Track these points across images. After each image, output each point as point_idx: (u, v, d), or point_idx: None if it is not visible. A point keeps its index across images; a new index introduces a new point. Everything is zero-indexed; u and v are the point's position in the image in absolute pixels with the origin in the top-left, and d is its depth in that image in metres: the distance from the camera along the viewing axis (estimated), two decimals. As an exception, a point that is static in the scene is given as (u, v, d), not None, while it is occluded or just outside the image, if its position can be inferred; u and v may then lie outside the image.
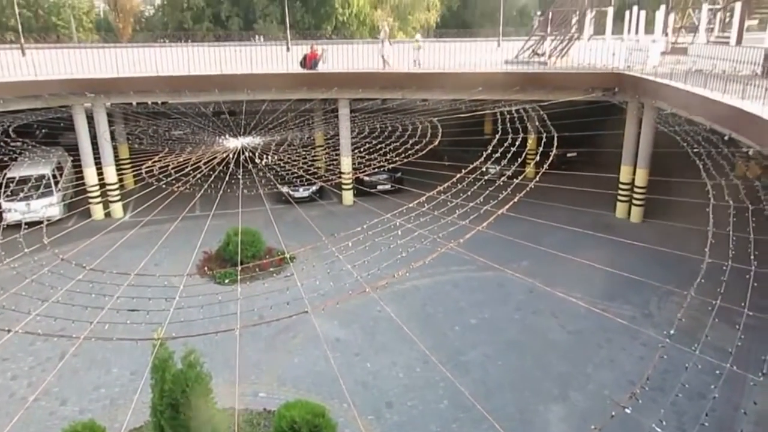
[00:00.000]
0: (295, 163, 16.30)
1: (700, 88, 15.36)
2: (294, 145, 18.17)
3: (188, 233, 17.64)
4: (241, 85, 22.33)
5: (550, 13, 29.86)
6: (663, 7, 28.31)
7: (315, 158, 21.53)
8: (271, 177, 16.64)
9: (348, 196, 24.62)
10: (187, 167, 14.30)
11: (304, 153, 17.81)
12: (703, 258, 9.29)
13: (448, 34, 55.72)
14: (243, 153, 15.60)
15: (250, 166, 15.01)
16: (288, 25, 40.70)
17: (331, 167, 22.99)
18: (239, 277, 16.23)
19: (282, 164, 15.69)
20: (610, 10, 26.95)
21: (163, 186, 13.80)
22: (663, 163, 20.85)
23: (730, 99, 13.75)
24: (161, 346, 8.54)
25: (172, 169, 14.23)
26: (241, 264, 16.71)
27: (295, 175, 17.05)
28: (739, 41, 24.27)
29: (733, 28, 24.20)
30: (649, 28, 28.91)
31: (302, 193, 24.50)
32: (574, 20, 27.79)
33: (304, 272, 14.82)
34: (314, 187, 24.18)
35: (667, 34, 28.84)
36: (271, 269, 16.94)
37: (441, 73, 22.97)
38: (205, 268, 17.56)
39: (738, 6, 24.12)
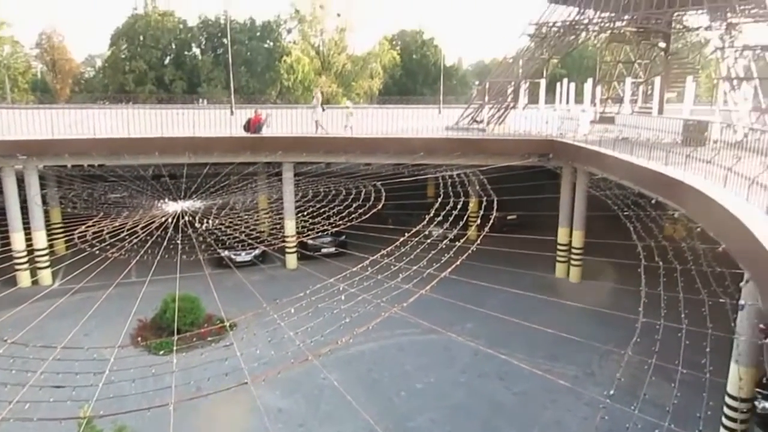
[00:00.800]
0: (237, 226, 16.03)
1: (627, 155, 16.30)
2: (236, 208, 17.93)
3: (123, 301, 16.84)
4: (182, 148, 22.10)
5: (488, 83, 31.44)
6: (590, 80, 30.33)
7: (258, 222, 21.28)
8: (212, 241, 16.26)
9: (291, 260, 24.31)
10: (123, 232, 13.80)
11: (246, 217, 17.57)
12: (638, 317, 9.58)
13: (391, 101, 57.64)
14: (183, 217, 15.23)
15: (190, 230, 14.65)
16: (232, 89, 41.06)
17: (275, 231, 22.78)
18: (176, 347, 15.49)
19: (223, 228, 15.40)
20: (543, 82, 28.57)
21: (97, 252, 13.23)
22: (598, 224, 21.72)
23: (654, 165, 14.62)
24: (88, 424, 7.93)
25: (107, 234, 13.70)
26: (179, 332, 15.99)
27: (237, 239, 16.74)
28: (660, 111, 26.13)
29: (655, 99, 26.12)
30: (579, 99, 30.84)
31: (244, 257, 24.01)
32: (509, 90, 29.29)
33: (244, 340, 14.29)
34: (256, 251, 23.76)
35: (595, 105, 30.77)
36: (210, 338, 16.29)
37: (384, 137, 23.51)
38: (140, 338, 16.69)
39: (657, 80, 26.14)
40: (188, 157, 22.04)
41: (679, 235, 17.24)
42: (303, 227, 17.40)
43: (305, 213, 16.51)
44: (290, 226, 23.15)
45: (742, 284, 10.53)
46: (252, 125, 24.18)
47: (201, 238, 15.09)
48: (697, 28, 29.33)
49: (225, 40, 59.51)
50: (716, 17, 24.79)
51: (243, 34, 67.49)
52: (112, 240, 13.46)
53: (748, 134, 13.78)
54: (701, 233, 12.21)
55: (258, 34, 70.31)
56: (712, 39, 25.61)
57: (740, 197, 10.40)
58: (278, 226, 23.18)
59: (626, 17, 27.39)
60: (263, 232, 22.52)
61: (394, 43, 78.50)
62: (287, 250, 23.92)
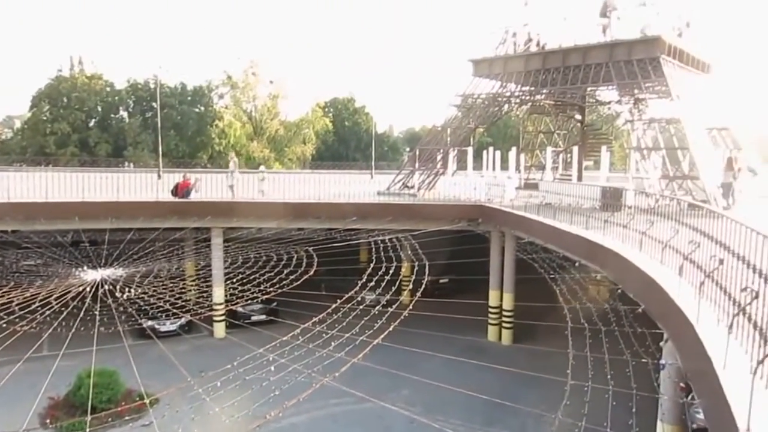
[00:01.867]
0: (161, 295, 15.32)
1: (550, 220, 16.99)
2: (161, 276, 17.19)
3: (33, 377, 15.52)
4: (105, 213, 21.21)
5: (418, 150, 32.41)
6: (515, 148, 31.87)
7: (184, 289, 20.42)
8: (133, 311, 15.42)
9: (219, 329, 23.33)
10: (35, 303, 12.87)
11: (172, 284, 16.84)
12: (567, 380, 9.71)
13: (324, 166, 58.22)
14: (103, 286, 14.42)
15: (110, 300, 13.85)
16: (161, 153, 40.26)
17: (202, 299, 21.89)
18: (89, 428, 14.29)
19: (147, 297, 14.67)
20: (470, 150, 29.76)
21: (4, 325, 12.23)
22: (527, 287, 22.26)
23: (576, 229, 15.29)
24: None
25: (17, 305, 12.73)
26: (94, 411, 14.79)
27: (161, 308, 15.96)
28: (579, 178, 27.64)
29: (574, 167, 27.68)
30: (505, 166, 32.22)
31: (169, 327, 22.87)
32: (439, 157, 30.30)
33: (166, 418, 13.37)
34: (182, 321, 22.69)
35: (519, 171, 32.22)
36: (128, 416, 15.16)
37: (317, 202, 23.53)
38: (50, 418, 15.36)
39: (576, 149, 27.80)
40: (111, 223, 21.14)
41: (602, 297, 17.95)
42: (232, 295, 16.84)
43: (234, 280, 16.05)
44: (218, 294, 22.37)
45: (662, 344, 10.95)
46: (180, 190, 23.64)
47: (122, 308, 14.29)
48: (609, 102, 31.71)
49: (154, 104, 58.77)
50: (625, 93, 26.97)
51: (173, 98, 67.01)
52: (23, 312, 12.51)
53: (659, 200, 14.72)
54: (622, 294, 12.72)
55: (189, 98, 70.04)
56: (623, 112, 27.75)
57: (655, 260, 10.96)
58: (206, 294, 22.32)
59: (544, 91, 29.31)
60: (189, 300, 21.57)
61: (326, 110, 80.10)
62: (215, 318, 23.00)
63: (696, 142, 23.37)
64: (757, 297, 6.27)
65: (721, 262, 7.77)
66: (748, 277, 6.85)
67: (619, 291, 12.83)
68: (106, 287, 14.26)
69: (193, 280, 23.26)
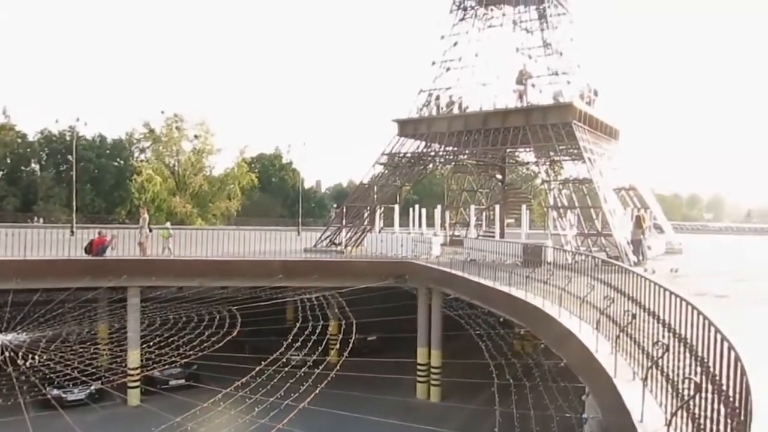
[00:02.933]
0: (69, 361, 14.24)
1: (475, 276, 17.34)
2: (70, 340, 16.02)
3: None
4: (10, 272, 19.72)
5: (345, 207, 32.59)
6: (440, 206, 32.68)
7: (96, 354, 19.07)
8: (37, 380, 14.19)
9: (134, 396, 21.74)
10: None
11: (81, 349, 15.72)
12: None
13: (250, 222, 57.21)
14: (3, 352, 13.26)
15: (10, 368, 12.71)
16: (75, 208, 38.29)
17: (115, 364, 20.48)
18: None
19: (53, 363, 13.57)
20: (396, 207, 30.22)
21: None
22: (455, 343, 22.37)
23: (499, 286, 15.66)
24: None
25: None
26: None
27: (69, 375, 14.79)
28: (501, 235, 28.57)
29: (496, 224, 28.61)
30: (430, 223, 32.86)
31: (77, 395, 21.13)
32: (366, 214, 30.57)
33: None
34: (92, 388, 21.04)
35: (445, 228, 32.95)
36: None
37: (241, 260, 22.96)
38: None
39: (497, 207, 28.85)
40: (16, 283, 19.64)
41: (527, 351, 18.32)
42: (148, 359, 15.88)
43: (152, 342, 15.21)
44: (134, 358, 21.00)
45: (584, 397, 11.22)
46: (95, 247, 22.45)
47: (24, 377, 13.12)
48: (527, 163, 33.39)
49: (70, 157, 56.32)
50: (541, 155, 28.53)
51: (91, 151, 64.56)
52: None
53: (576, 257, 15.42)
54: (546, 349, 13.03)
55: (108, 151, 67.72)
56: (540, 173, 29.26)
57: (574, 315, 11.37)
58: (119, 359, 20.92)
59: (467, 152, 30.53)
60: (101, 366, 20.13)
61: (252, 165, 79.49)
62: (129, 384, 21.48)
63: (607, 201, 24.88)
64: (667, 350, 6.61)
65: (634, 316, 8.17)
66: (659, 331, 7.23)
67: (543, 346, 13.14)
68: (7, 354, 13.12)
69: (106, 344, 21.81)
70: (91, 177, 63.05)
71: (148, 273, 21.49)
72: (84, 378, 15.70)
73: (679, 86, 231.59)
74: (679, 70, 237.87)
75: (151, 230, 24.61)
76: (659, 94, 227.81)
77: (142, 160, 72.10)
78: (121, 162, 68.47)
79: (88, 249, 22.44)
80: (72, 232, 31.26)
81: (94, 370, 18.09)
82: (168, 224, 26.73)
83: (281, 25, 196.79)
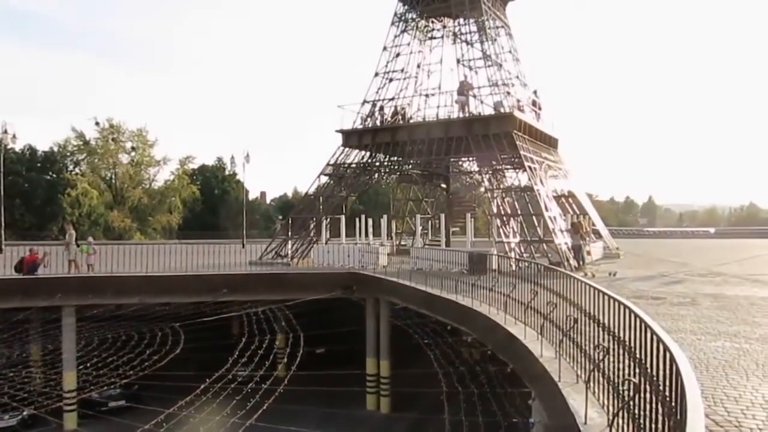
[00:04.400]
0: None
1: (422, 285, 17.46)
2: (-1, 364, 15.11)
3: None
4: (-70, 294, 18.49)
5: (291, 219, 32.25)
6: (386, 216, 32.80)
7: (28, 378, 18.04)
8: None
9: (71, 420, 20.67)
10: None
11: (12, 373, 14.84)
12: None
13: (192, 236, 55.70)
14: None
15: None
16: (3, 224, 36.25)
17: (49, 387, 19.40)
18: None
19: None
20: (343, 218, 30.15)
21: None
22: (404, 353, 22.40)
23: (446, 294, 15.82)
24: None
25: None
26: None
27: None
28: (447, 244, 28.92)
29: (442, 233, 28.96)
30: (377, 233, 32.95)
31: (8, 421, 19.93)
32: (312, 225, 30.33)
33: None
34: (24, 413, 19.88)
35: (391, 238, 33.08)
36: None
37: (183, 275, 22.28)
38: None
39: (443, 217, 29.21)
40: (-63, 305, 18.43)
41: (474, 359, 18.53)
42: (86, 381, 15.14)
43: (89, 364, 14.52)
44: (70, 380, 19.99)
45: (530, 402, 11.43)
46: (26, 265, 21.33)
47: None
48: (471, 172, 34.00)
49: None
50: (484, 164, 29.12)
51: (20, 165, 61.49)
52: None
53: (519, 264, 15.76)
54: (493, 356, 13.21)
55: (39, 164, 64.68)
56: (483, 182, 29.84)
57: (519, 321, 11.60)
58: (54, 382, 19.84)
59: (411, 162, 30.83)
60: (34, 390, 19.05)
61: (194, 177, 77.66)
62: (65, 408, 20.41)
63: (548, 209, 25.63)
64: (608, 353, 6.83)
65: (576, 321, 8.40)
66: (599, 335, 7.45)
67: (490, 353, 13.32)
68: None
69: (40, 367, 20.67)
70: (20, 191, 60.02)
71: (84, 291, 20.56)
72: (15, 403, 14.82)
73: (613, 93, 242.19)
74: (614, 77, 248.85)
75: (78, 245, 23.63)
76: (595, 102, 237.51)
77: (76, 173, 69.20)
78: (54, 175, 65.54)
79: (18, 267, 21.32)
80: (0, 249, 29.60)
81: (26, 395, 17.11)
82: (90, 239, 25.60)
83: (229, 33, 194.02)
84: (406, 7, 32.92)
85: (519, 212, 28.31)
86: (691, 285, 17.54)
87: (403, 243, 35.37)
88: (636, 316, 6.20)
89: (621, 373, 6.40)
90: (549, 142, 32.31)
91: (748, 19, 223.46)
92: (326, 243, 28.83)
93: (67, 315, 20.45)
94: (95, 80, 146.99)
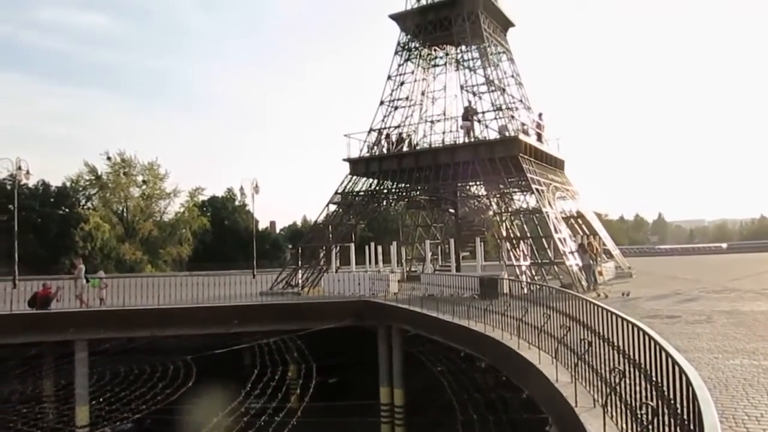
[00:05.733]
0: (12, 422, 13.40)
1: (433, 311, 17.35)
2: (12, 401, 15.10)
3: None
4: (-56, 332, 18.59)
5: (300, 248, 32.31)
6: (395, 242, 32.79)
7: (41, 414, 18.02)
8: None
9: (83, 455, 20.60)
10: None
11: (26, 409, 14.83)
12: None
13: (203, 267, 55.90)
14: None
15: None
16: (17, 259, 36.55)
17: (62, 423, 19.34)
18: None
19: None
20: (352, 246, 30.16)
21: None
22: (418, 381, 22.14)
23: (458, 320, 15.72)
24: None
25: None
26: None
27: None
28: (458, 269, 28.81)
29: (452, 258, 28.86)
30: (387, 259, 32.89)
31: (21, 459, 19.83)
32: (322, 254, 30.35)
33: None
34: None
35: (401, 265, 33.02)
36: None
37: (194, 307, 22.28)
38: None
39: (452, 241, 29.15)
40: (-49, 343, 18.52)
41: (489, 385, 18.31)
42: (98, 416, 15.09)
43: (102, 398, 14.50)
44: (82, 415, 19.91)
45: (547, 428, 11.25)
46: (39, 299, 21.45)
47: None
48: (479, 196, 34.03)
49: (11, 206, 54.09)
50: (491, 188, 29.16)
51: (33, 200, 62.23)
52: None
53: (530, 287, 15.67)
54: (507, 381, 13.06)
55: (52, 199, 65.43)
56: (492, 205, 29.84)
57: (533, 345, 11.49)
58: (66, 417, 19.78)
59: (419, 188, 30.94)
60: (46, 426, 19.00)
61: (204, 208, 78.16)
62: (78, 444, 20.32)
63: (557, 230, 25.53)
64: (624, 377, 6.75)
65: (590, 344, 8.32)
66: (615, 357, 7.37)
67: (504, 378, 13.17)
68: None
69: (52, 402, 20.62)
70: (34, 226, 60.65)
71: (96, 325, 20.58)
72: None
73: (618, 111, 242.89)
74: (620, 95, 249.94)
75: (87, 280, 23.77)
76: (600, 121, 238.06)
77: (88, 208, 69.89)
78: (66, 210, 66.23)
79: (32, 302, 21.44)
80: (14, 284, 29.78)
81: (39, 431, 17.09)
82: (101, 273, 25.71)
83: (232, 63, 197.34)
84: (408, 36, 33.41)
85: (528, 235, 28.22)
86: (706, 302, 17.34)
87: (413, 269, 35.28)
88: (650, 337, 6.15)
89: (638, 396, 6.32)
90: (555, 164, 32.35)
91: (757, 32, 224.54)
92: (336, 271, 28.80)
93: (80, 349, 20.46)
94: (107, 113, 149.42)
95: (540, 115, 32.35)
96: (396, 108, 32.11)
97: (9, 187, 58.36)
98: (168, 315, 21.66)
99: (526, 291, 15.03)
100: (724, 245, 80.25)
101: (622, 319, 7.26)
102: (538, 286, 14.95)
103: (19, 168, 34.77)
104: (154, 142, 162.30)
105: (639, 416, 5.96)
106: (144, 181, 72.52)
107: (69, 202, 67.92)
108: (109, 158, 70.14)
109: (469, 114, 29.35)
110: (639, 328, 6.63)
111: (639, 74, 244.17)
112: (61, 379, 21.38)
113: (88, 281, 23.69)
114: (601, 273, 24.53)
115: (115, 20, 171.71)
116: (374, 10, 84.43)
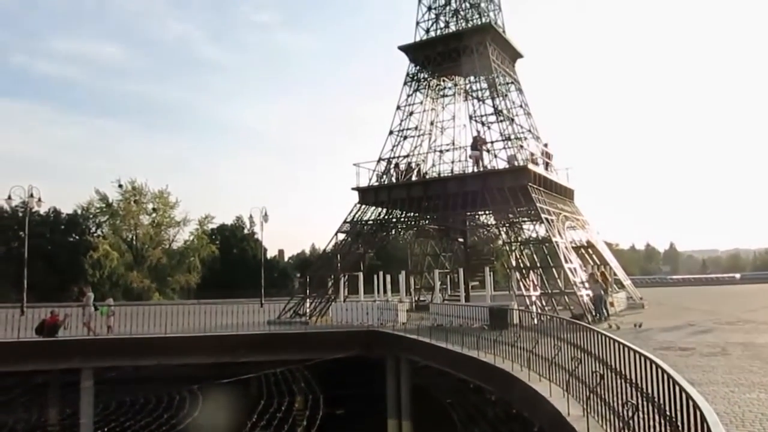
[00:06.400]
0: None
1: (442, 342, 17.14)
2: (17, 430, 14.98)
3: None
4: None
5: (308, 277, 32.23)
6: (404, 272, 32.65)
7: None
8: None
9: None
10: None
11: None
12: None
13: (211, 295, 55.81)
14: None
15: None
16: (25, 286, 36.65)
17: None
18: None
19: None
20: (361, 274, 30.04)
21: None
22: (427, 413, 21.75)
23: (467, 351, 15.50)
24: None
25: None
26: None
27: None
28: (467, 299, 28.57)
29: (461, 288, 28.65)
30: (395, 289, 32.70)
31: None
32: (330, 283, 30.24)
33: None
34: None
35: (410, 294, 32.81)
36: None
37: (202, 335, 22.16)
38: None
39: (461, 271, 28.98)
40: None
41: (499, 418, 17.96)
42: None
43: (107, 429, 14.35)
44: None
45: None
46: (47, 327, 21.44)
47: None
48: (488, 226, 33.95)
49: (22, 233, 54.55)
50: (500, 217, 29.10)
51: (44, 227, 62.71)
52: None
53: (541, 317, 15.49)
54: (518, 414, 12.80)
55: (62, 227, 65.93)
56: (501, 234, 29.72)
57: (544, 377, 11.29)
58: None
59: (428, 217, 30.93)
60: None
61: (213, 237, 78.40)
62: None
63: (567, 260, 25.33)
64: (637, 410, 6.59)
65: (602, 377, 8.16)
66: (627, 390, 7.22)
67: (515, 411, 12.92)
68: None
69: (57, 431, 20.41)
70: (44, 254, 61.00)
71: (102, 353, 20.52)
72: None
73: (633, 141, 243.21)
74: (630, 125, 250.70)
75: (96, 308, 23.76)
76: (609, 150, 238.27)
77: (98, 235, 70.31)
78: (77, 237, 66.65)
79: (40, 329, 21.43)
80: (22, 311, 29.81)
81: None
82: (110, 300, 25.68)
83: (241, 91, 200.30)
84: (417, 67, 33.84)
85: (538, 264, 28.02)
86: (720, 334, 17.03)
87: (422, 299, 35.02)
88: (663, 370, 6.03)
89: (652, 431, 6.17)
90: (565, 193, 32.29)
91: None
92: (344, 300, 28.63)
93: (86, 378, 20.34)
94: (120, 140, 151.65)
95: (546, 144, 32.45)
96: (405, 137, 32.36)
97: (21, 215, 58.97)
98: (175, 343, 21.55)
99: (536, 322, 14.84)
100: (738, 276, 79.30)
101: (635, 351, 7.13)
102: (548, 317, 14.78)
103: (31, 195, 35.11)
104: (166, 169, 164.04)
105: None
106: (154, 209, 73.02)
107: (79, 230, 68.40)
108: (120, 186, 70.84)
109: (478, 143, 29.49)
110: (652, 361, 6.51)
111: (651, 103, 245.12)
112: (66, 408, 21.21)
113: (96, 309, 23.69)
114: (612, 304, 24.22)
115: (129, 51, 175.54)
116: (384, 41, 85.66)
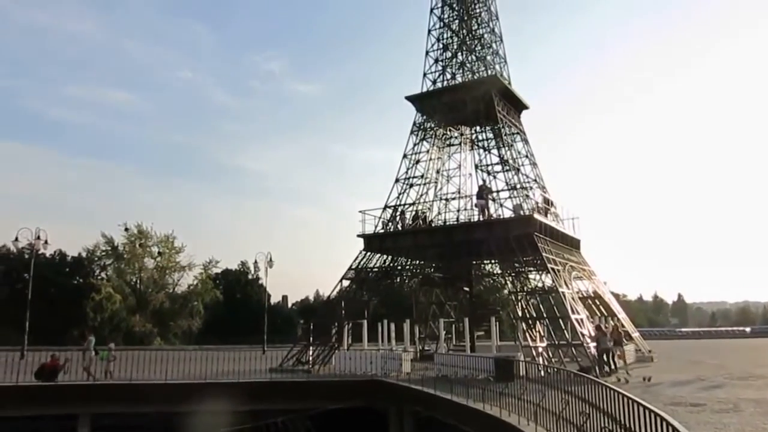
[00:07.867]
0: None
1: (447, 393, 16.80)
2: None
3: None
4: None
5: (312, 324, 31.92)
6: (408, 320, 32.31)
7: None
8: None
9: None
10: None
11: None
12: None
13: (213, 341, 55.24)
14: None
15: None
16: (27, 329, 36.39)
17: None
18: None
19: None
20: (365, 323, 29.73)
21: None
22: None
23: (473, 403, 15.17)
24: None
25: None
26: None
27: None
28: (472, 349, 28.14)
29: (466, 338, 28.27)
30: (400, 336, 32.27)
31: None
32: (333, 330, 29.91)
33: None
34: None
35: (415, 343, 32.37)
36: None
37: (203, 382, 21.82)
38: None
39: (466, 321, 28.66)
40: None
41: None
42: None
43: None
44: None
45: None
46: (46, 370, 21.18)
47: None
48: (494, 275, 33.77)
49: (26, 275, 54.51)
50: (506, 266, 28.96)
51: (49, 269, 62.68)
52: None
53: (548, 369, 15.17)
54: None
55: (67, 269, 65.87)
56: (507, 284, 29.52)
57: (552, 432, 11.00)
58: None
59: (433, 265, 30.82)
60: None
61: (217, 281, 78.08)
62: None
63: (574, 311, 25.02)
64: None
65: (612, 433, 7.96)
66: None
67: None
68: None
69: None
70: (47, 296, 60.75)
71: (101, 399, 20.21)
72: None
73: (641, 193, 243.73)
74: (637, 175, 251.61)
75: (96, 352, 23.52)
76: (617, 201, 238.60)
77: (101, 278, 70.14)
78: (81, 280, 66.51)
79: (40, 373, 21.17)
80: (22, 355, 29.51)
81: None
82: (111, 345, 25.41)
83: (253, 141, 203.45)
84: (424, 117, 34.40)
85: (544, 315, 27.69)
86: (732, 389, 16.63)
87: (426, 348, 34.51)
88: (674, 428, 5.88)
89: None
90: (571, 243, 32.19)
91: None
92: (348, 349, 28.26)
93: (82, 425, 19.98)
94: (126, 186, 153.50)
95: (548, 196, 32.60)
96: (411, 185, 32.59)
97: (27, 257, 59.09)
98: (174, 391, 21.20)
99: (543, 374, 14.55)
100: (748, 329, 78.06)
101: (644, 407, 6.97)
102: (555, 369, 14.50)
103: (38, 237, 35.31)
104: (172, 214, 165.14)
105: None
106: (159, 253, 73.01)
107: (84, 272, 68.32)
108: (126, 229, 71.11)
109: (483, 193, 29.65)
110: (663, 418, 6.36)
111: (660, 154, 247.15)
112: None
113: (97, 353, 23.45)
114: (620, 356, 23.76)
115: (140, 96, 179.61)
116: (392, 94, 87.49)
